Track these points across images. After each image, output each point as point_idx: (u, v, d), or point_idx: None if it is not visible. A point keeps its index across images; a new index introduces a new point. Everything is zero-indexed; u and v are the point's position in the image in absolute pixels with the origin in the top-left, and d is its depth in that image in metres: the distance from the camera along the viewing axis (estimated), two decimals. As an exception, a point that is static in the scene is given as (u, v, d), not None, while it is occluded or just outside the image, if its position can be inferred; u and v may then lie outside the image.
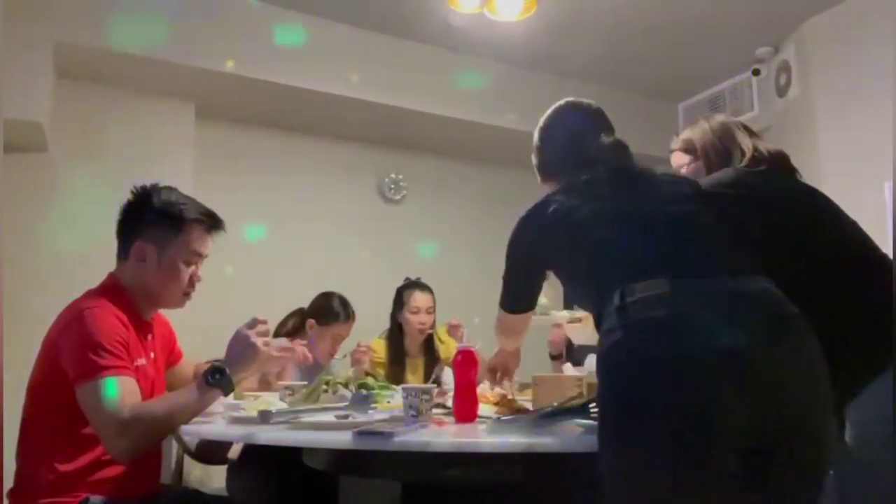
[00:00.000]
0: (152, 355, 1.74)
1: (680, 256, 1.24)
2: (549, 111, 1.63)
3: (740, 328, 1.08)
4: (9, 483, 1.60)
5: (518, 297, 1.58)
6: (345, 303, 2.91)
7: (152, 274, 1.69)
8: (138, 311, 1.71)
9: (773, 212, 1.50)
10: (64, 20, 3.05)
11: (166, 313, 1.89)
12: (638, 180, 1.43)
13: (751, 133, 1.71)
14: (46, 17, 2.99)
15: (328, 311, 2.87)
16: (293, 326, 2.92)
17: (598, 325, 1.22)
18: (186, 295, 1.75)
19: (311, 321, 2.86)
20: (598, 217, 1.34)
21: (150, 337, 1.76)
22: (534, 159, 1.64)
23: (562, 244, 1.38)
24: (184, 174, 3.56)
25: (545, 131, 1.61)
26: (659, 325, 1.11)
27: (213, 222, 1.75)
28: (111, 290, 1.68)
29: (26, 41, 2.89)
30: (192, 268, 1.73)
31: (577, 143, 1.51)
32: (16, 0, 2.75)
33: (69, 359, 1.53)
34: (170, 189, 1.76)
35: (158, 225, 1.68)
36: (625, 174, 1.43)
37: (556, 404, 1.51)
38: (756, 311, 1.13)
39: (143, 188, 1.74)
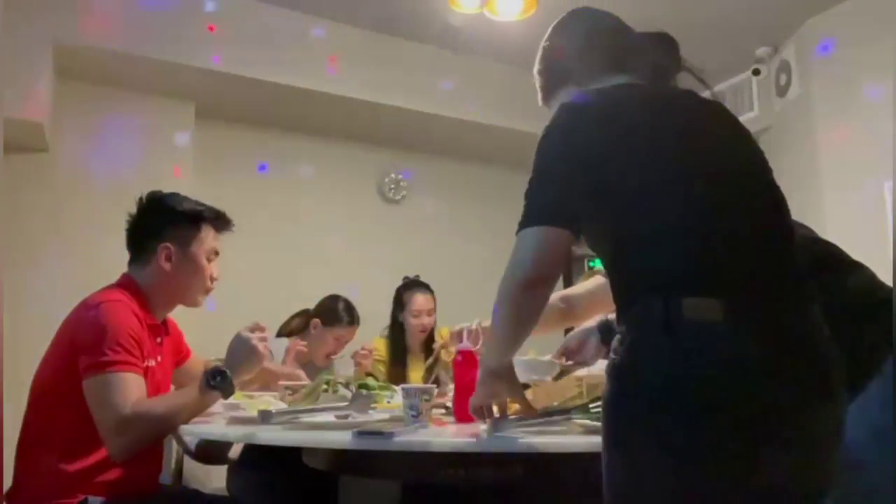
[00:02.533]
0: (159, 358, 1.75)
1: (748, 259, 1.02)
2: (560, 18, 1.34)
3: (792, 383, 0.97)
4: (7, 482, 1.60)
5: (551, 205, 1.11)
6: (350, 308, 2.94)
7: (178, 272, 1.73)
8: (152, 312, 1.73)
9: None
10: (64, 20, 3.05)
11: (172, 314, 1.90)
12: (689, 104, 1.16)
13: None
14: (46, 17, 2.99)
15: (333, 313, 2.91)
16: (296, 327, 2.97)
17: (622, 312, 1.06)
18: (207, 291, 1.81)
19: (315, 321, 2.91)
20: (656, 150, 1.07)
21: (159, 339, 1.77)
22: (537, 67, 1.34)
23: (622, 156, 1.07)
24: (184, 174, 3.56)
25: (560, 28, 1.33)
26: (711, 363, 0.95)
27: (225, 222, 1.84)
28: (127, 287, 1.71)
29: (26, 41, 2.88)
30: (211, 265, 1.80)
31: (609, 36, 1.27)
32: (16, 0, 2.75)
33: (83, 349, 1.54)
34: (177, 194, 1.82)
35: (177, 226, 1.75)
36: (682, 98, 1.16)
37: (556, 404, 1.51)
38: (808, 362, 1.00)
39: (154, 194, 1.80)
